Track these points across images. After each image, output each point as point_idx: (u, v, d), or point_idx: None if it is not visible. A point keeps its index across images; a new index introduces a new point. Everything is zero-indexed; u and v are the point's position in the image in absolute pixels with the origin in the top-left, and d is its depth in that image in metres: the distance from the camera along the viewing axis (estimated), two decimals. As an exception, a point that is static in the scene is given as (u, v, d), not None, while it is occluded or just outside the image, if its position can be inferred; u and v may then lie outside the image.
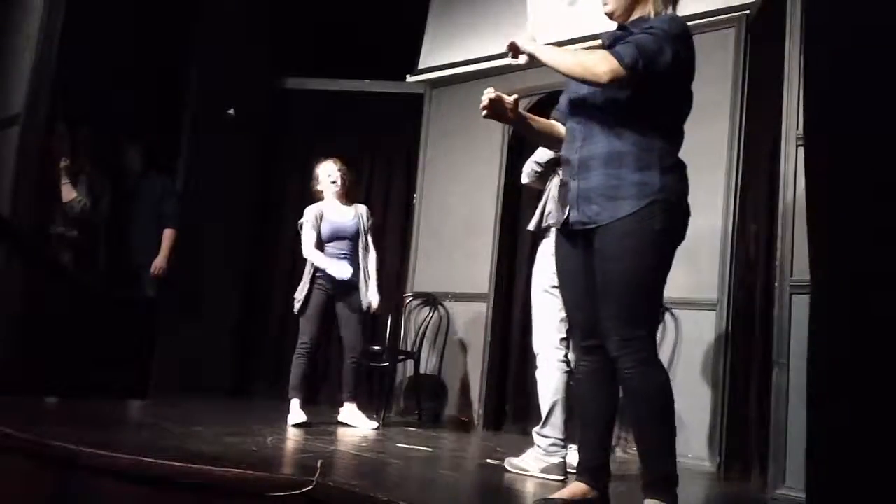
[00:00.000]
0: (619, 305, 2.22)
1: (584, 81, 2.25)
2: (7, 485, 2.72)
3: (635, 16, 2.37)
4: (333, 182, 4.46)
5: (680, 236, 2.31)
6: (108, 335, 4.62)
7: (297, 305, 4.33)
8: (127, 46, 4.96)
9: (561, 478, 3.04)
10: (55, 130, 4.64)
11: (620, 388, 2.30)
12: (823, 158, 2.39)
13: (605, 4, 2.39)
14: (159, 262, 4.99)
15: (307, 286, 4.31)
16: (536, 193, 3.52)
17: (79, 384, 4.22)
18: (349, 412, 4.37)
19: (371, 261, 4.50)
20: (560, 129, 2.55)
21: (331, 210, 4.46)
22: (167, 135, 5.38)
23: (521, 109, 2.50)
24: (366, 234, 4.52)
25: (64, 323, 4.43)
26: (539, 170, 3.32)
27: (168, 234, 5.03)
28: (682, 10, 4.44)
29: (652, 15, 2.34)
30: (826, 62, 2.37)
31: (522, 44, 2.29)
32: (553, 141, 2.60)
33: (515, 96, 2.45)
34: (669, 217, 2.25)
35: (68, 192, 4.70)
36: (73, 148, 4.71)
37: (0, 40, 5.05)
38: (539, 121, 2.59)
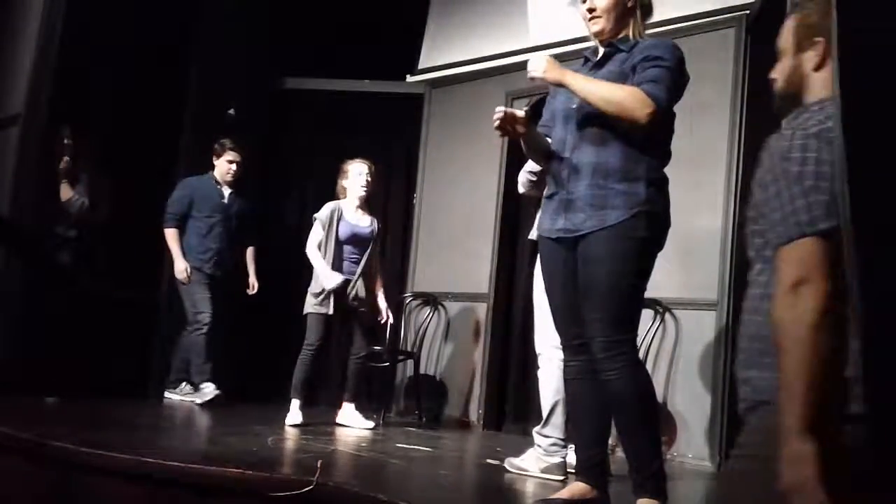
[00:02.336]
0: (604, 309, 2.26)
1: (617, 118, 2.28)
2: (7, 485, 2.73)
3: (620, 35, 2.42)
4: (364, 183, 4.42)
5: (660, 245, 2.40)
6: (108, 335, 4.62)
7: (312, 305, 4.29)
8: (127, 46, 4.96)
9: (561, 478, 3.04)
10: (56, 131, 4.63)
11: (605, 389, 2.31)
12: (855, 159, 2.38)
13: (594, 24, 2.43)
14: (252, 281, 5.17)
15: (322, 288, 4.27)
16: (534, 200, 3.52)
17: (79, 384, 4.22)
18: (347, 413, 4.37)
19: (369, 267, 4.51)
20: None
21: (350, 212, 4.43)
22: (167, 135, 5.37)
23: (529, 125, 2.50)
24: (375, 244, 4.54)
25: (64, 323, 4.44)
26: (534, 179, 3.32)
27: (251, 252, 5.18)
28: (682, 10, 4.48)
29: (636, 35, 2.41)
30: (862, 61, 2.36)
31: (551, 72, 2.33)
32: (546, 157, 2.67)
33: (526, 109, 2.47)
34: (653, 227, 2.32)
35: (66, 192, 4.70)
36: (73, 148, 4.71)
37: (0, 40, 5.06)
38: (543, 137, 2.63)
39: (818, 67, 1.51)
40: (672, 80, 2.29)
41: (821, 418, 1.23)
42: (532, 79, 2.38)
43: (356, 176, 4.42)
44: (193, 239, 4.99)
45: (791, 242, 1.29)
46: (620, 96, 2.26)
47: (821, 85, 1.51)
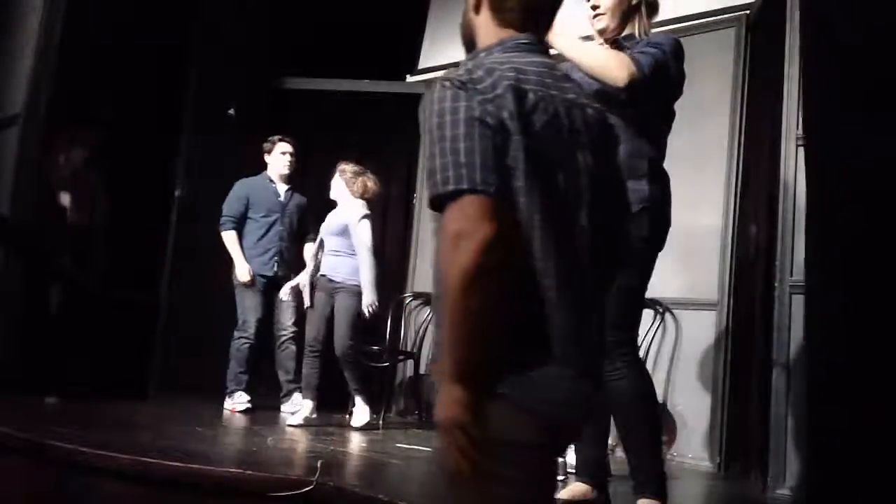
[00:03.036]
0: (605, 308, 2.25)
1: (599, 79, 2.27)
2: (7, 485, 2.73)
3: (625, 33, 2.41)
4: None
5: (661, 244, 2.38)
6: (108, 335, 4.62)
7: (306, 300, 4.33)
8: (127, 46, 4.96)
9: (561, 478, 3.03)
10: (57, 132, 4.63)
11: (605, 390, 2.31)
12: (822, 159, 2.39)
13: (598, 22, 2.42)
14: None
15: (309, 283, 4.29)
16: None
17: (79, 384, 4.22)
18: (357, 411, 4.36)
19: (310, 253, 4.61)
20: None
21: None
22: (167, 135, 5.37)
23: None
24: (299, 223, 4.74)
25: (64, 323, 4.44)
26: None
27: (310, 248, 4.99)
28: (683, 10, 4.48)
29: (642, 33, 2.39)
30: (827, 63, 2.37)
31: None
32: None
33: None
34: (655, 225, 2.30)
35: (64, 198, 4.67)
36: (73, 149, 4.71)
37: (0, 40, 5.06)
38: None
39: (476, 9, 1.45)
40: (661, 58, 2.27)
41: (480, 368, 1.20)
42: None
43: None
44: (250, 241, 4.85)
45: (445, 197, 1.25)
46: (605, 56, 2.26)
47: (482, 29, 1.44)
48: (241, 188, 4.93)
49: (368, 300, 4.28)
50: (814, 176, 2.42)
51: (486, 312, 1.19)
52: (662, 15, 2.54)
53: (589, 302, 1.32)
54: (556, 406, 1.26)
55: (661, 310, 4.39)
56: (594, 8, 2.41)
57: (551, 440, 1.29)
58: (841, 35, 2.29)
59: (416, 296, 5.65)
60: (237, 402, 4.59)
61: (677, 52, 2.33)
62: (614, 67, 2.21)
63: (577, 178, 1.33)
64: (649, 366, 4.07)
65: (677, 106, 2.45)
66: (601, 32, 2.45)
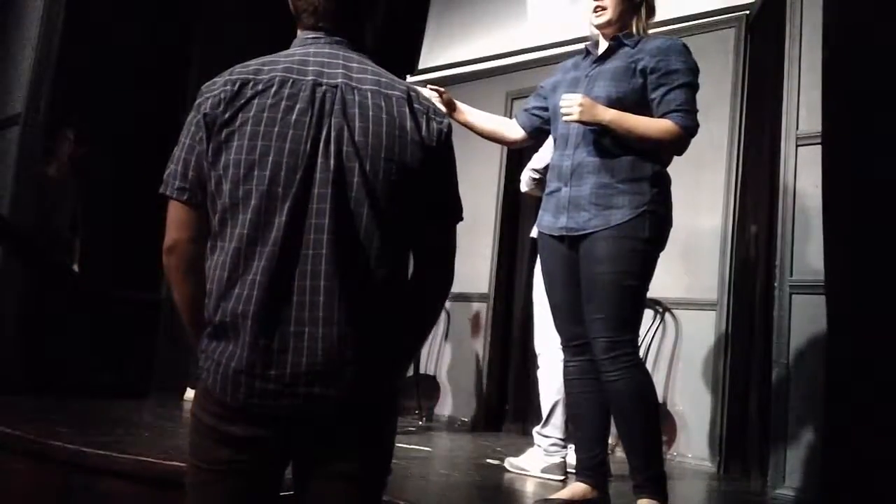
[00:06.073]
0: (606, 309, 2.26)
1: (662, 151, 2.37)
2: (7, 485, 2.73)
3: (624, 30, 2.42)
4: None
5: (663, 245, 2.40)
6: (108, 335, 4.62)
7: None
8: (127, 46, 4.96)
9: (561, 478, 3.04)
10: (57, 132, 4.63)
11: (605, 391, 2.31)
12: (844, 160, 2.39)
13: (600, 16, 2.41)
14: None
15: None
16: (536, 199, 3.51)
17: (79, 384, 4.22)
18: None
19: None
20: (508, 130, 2.62)
21: None
22: (167, 136, 5.37)
23: (457, 102, 2.56)
24: None
25: (64, 323, 4.43)
26: (537, 177, 3.31)
27: None
28: (682, 10, 4.48)
29: (640, 31, 2.41)
30: (847, 65, 2.37)
31: (586, 116, 2.27)
32: (495, 140, 2.70)
33: (441, 90, 2.50)
34: (657, 227, 2.31)
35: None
36: (73, 149, 4.71)
37: (0, 40, 5.06)
38: (479, 116, 2.63)
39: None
40: (694, 96, 2.32)
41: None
42: (566, 122, 2.33)
43: None
44: None
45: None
46: (658, 135, 2.28)
47: None
48: None
49: None
50: (834, 176, 2.42)
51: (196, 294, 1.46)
52: (663, 15, 2.56)
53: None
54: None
55: (661, 310, 4.39)
56: (596, 0, 2.42)
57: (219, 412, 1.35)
58: (864, 37, 2.29)
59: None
60: None
61: (695, 69, 2.35)
62: (672, 145, 2.32)
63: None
64: (649, 366, 4.07)
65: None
66: (601, 27, 2.44)
